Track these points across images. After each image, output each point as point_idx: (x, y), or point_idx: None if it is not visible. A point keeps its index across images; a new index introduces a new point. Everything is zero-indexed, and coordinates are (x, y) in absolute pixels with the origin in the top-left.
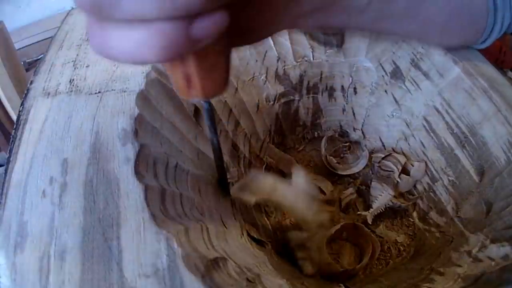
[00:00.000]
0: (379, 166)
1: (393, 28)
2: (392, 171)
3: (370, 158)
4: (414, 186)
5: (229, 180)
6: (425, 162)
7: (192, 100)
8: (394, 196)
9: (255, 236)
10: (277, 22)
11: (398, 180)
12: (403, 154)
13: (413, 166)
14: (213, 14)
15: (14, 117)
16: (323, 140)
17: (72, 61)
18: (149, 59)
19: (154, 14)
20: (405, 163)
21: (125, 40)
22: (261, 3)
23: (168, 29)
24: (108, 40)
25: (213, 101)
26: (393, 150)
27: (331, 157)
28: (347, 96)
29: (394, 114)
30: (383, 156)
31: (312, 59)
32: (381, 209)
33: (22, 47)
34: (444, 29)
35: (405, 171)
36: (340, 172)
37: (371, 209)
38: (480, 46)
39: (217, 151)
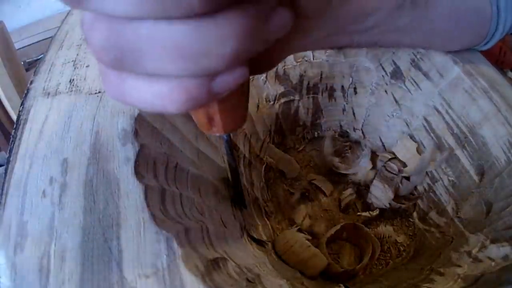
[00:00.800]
0: (384, 167)
1: (398, 41)
2: (396, 174)
3: (372, 158)
4: (415, 187)
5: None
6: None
7: (212, 134)
8: (393, 199)
9: (255, 236)
10: (289, 50)
11: (400, 185)
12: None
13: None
14: (233, 70)
15: (14, 117)
16: (327, 140)
17: (72, 61)
18: (170, 111)
19: (178, 73)
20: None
21: (145, 92)
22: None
23: (190, 85)
24: (126, 89)
25: None
26: (394, 154)
27: (334, 157)
28: (347, 96)
29: (394, 114)
30: (389, 157)
31: (312, 59)
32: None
33: (22, 47)
34: (449, 37)
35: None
36: (342, 171)
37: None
38: (482, 48)
39: (236, 177)
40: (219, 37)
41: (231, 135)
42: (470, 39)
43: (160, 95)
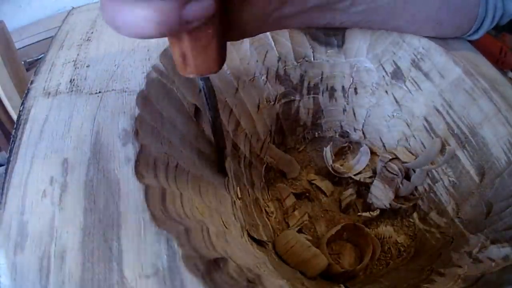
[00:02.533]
0: (385, 167)
1: (380, 25)
2: (397, 175)
3: (372, 158)
4: (415, 187)
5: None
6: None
7: (187, 75)
8: (394, 199)
9: (255, 237)
10: (260, 20)
11: (400, 185)
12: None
13: (414, 172)
14: (202, 0)
15: (15, 117)
16: (327, 150)
17: (73, 60)
18: (148, 33)
19: None
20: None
21: (130, 15)
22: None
23: (164, 7)
24: (117, 14)
25: None
26: (395, 154)
27: (338, 166)
28: (348, 97)
29: (395, 114)
30: (390, 158)
31: (312, 59)
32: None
33: (23, 47)
34: (436, 21)
35: (406, 175)
36: (343, 176)
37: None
38: (473, 37)
39: (218, 130)
40: None
41: (209, 81)
42: (459, 24)
43: (140, 17)
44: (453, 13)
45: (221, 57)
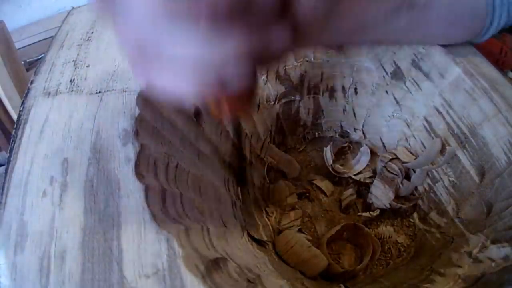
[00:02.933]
0: (385, 167)
1: (396, 41)
2: (397, 175)
3: (372, 158)
4: (415, 187)
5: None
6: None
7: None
8: (394, 199)
9: (256, 237)
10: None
11: (400, 185)
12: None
13: (414, 172)
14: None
15: (15, 117)
16: (328, 150)
17: (73, 60)
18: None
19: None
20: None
21: (166, 79)
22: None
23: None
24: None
25: None
26: (395, 154)
27: (338, 166)
28: (348, 97)
29: (395, 114)
30: (390, 158)
31: (313, 59)
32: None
33: (23, 47)
34: (445, 35)
35: (407, 175)
36: (343, 176)
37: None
38: (476, 41)
39: (240, 156)
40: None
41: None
42: (466, 36)
43: (179, 81)
44: (461, 28)
45: (253, 101)
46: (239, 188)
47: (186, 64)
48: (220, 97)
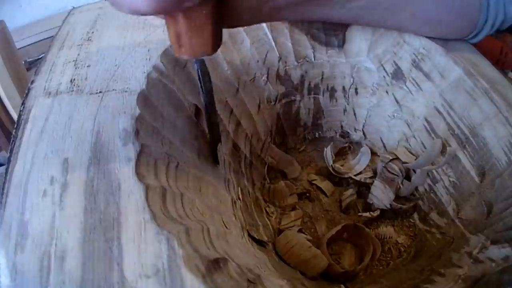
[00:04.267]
0: (385, 167)
1: (380, 22)
2: (397, 175)
3: (373, 158)
4: (415, 188)
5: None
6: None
7: (182, 56)
8: (394, 199)
9: (256, 237)
10: (257, 9)
11: (401, 186)
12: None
13: (415, 172)
14: None
15: (15, 117)
16: (328, 150)
17: (73, 60)
18: (144, 9)
19: None
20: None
21: None
22: None
23: None
24: None
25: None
26: (395, 155)
27: (338, 166)
28: (348, 97)
29: (395, 114)
30: (391, 158)
31: (313, 59)
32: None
33: (23, 47)
34: (435, 21)
35: (407, 176)
36: (343, 176)
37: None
38: (472, 40)
39: (211, 114)
40: None
41: (205, 65)
42: (459, 26)
43: None
44: (454, 15)
45: (216, 40)
46: (239, 188)
47: None
48: (177, 22)
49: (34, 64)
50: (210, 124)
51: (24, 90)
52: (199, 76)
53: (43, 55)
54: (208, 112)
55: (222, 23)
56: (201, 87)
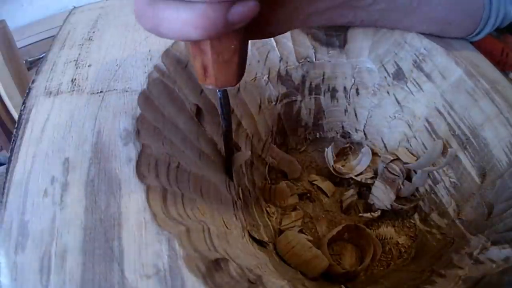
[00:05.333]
0: (386, 168)
1: (395, 23)
2: (398, 176)
3: (374, 159)
4: (416, 188)
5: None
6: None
7: (207, 86)
8: (395, 200)
9: (257, 237)
10: (291, 18)
11: (402, 186)
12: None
13: (415, 173)
14: (247, 1)
15: (16, 116)
16: (329, 150)
17: (74, 60)
18: (192, 37)
19: None
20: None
21: (174, 21)
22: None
23: (211, 12)
24: (159, 20)
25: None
26: (396, 155)
27: (339, 166)
28: (349, 97)
29: (396, 115)
30: (391, 159)
31: (314, 59)
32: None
33: (24, 46)
34: (446, 21)
35: (408, 176)
36: (344, 177)
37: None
38: (474, 38)
39: (229, 139)
40: None
41: (227, 92)
42: (466, 25)
43: (186, 22)
44: (462, 15)
45: (241, 72)
46: (240, 188)
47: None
48: (204, 55)
49: (35, 64)
50: (226, 145)
51: (25, 89)
52: (221, 103)
53: (44, 54)
54: (226, 136)
55: (252, 37)
56: (222, 113)
